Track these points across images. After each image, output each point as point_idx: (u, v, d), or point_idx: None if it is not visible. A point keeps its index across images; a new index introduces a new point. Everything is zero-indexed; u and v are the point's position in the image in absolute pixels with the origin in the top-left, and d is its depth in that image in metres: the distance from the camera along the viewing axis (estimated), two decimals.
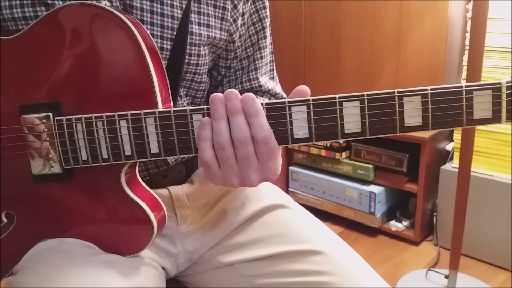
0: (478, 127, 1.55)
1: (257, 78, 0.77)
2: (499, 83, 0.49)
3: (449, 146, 1.83)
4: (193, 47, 0.67)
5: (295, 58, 2.11)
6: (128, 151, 0.55)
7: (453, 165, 1.72)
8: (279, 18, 2.10)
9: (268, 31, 0.78)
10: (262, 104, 0.52)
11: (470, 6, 1.39)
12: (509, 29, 1.50)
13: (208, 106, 0.53)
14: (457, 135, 1.70)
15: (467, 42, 1.50)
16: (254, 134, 0.52)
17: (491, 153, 1.63)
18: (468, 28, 1.47)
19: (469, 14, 1.43)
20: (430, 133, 1.73)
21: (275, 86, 0.81)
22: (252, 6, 0.75)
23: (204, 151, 0.53)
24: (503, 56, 1.54)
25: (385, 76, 1.83)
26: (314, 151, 2.02)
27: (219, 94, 0.52)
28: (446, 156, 1.82)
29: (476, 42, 1.23)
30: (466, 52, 1.51)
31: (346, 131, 0.52)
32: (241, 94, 0.77)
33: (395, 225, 1.89)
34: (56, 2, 0.59)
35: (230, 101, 0.52)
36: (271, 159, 0.53)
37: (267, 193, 0.75)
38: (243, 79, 0.77)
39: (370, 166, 1.87)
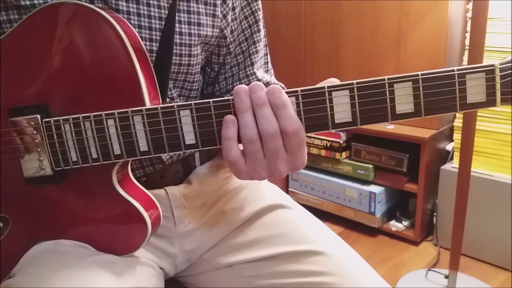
0: (478, 126, 1.56)
1: (254, 73, 0.76)
2: (493, 65, 0.47)
3: (449, 146, 1.82)
4: (183, 47, 0.66)
5: (295, 58, 2.10)
6: (117, 150, 0.55)
7: (453, 165, 1.72)
8: (279, 18, 2.10)
9: (261, 24, 0.76)
10: None
11: (470, 6, 1.39)
12: (509, 29, 1.50)
13: (195, 102, 0.51)
14: (457, 135, 1.69)
15: (467, 42, 1.50)
16: (284, 127, 0.50)
17: (491, 153, 1.63)
18: (468, 28, 1.46)
19: (469, 14, 1.43)
20: (430, 133, 1.72)
21: (271, 78, 0.80)
22: None
23: (230, 150, 0.51)
24: (503, 56, 1.53)
25: (385, 76, 1.83)
26: (314, 151, 2.02)
27: (244, 86, 0.50)
28: (446, 156, 1.82)
29: (476, 42, 1.23)
30: (466, 52, 1.51)
31: (336, 121, 0.51)
32: None
33: (395, 225, 1.88)
34: (35, 2, 0.58)
35: (255, 93, 0.49)
36: (300, 150, 0.52)
37: (267, 193, 0.74)
38: (241, 75, 0.76)
39: (370, 166, 1.86)
